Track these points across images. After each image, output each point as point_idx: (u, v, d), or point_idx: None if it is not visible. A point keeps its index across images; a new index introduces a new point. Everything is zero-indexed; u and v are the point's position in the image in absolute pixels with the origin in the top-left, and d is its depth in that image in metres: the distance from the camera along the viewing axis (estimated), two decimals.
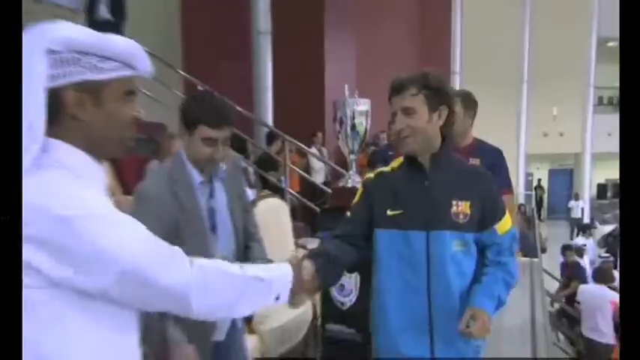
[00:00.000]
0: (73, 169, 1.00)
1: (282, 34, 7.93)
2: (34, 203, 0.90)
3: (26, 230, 0.89)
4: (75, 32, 1.01)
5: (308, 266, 1.47)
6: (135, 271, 0.96)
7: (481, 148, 2.80)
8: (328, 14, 7.97)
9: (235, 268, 1.16)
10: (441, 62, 13.17)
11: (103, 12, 6.47)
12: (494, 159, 2.73)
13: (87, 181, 1.01)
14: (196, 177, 1.94)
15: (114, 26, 6.48)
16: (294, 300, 1.32)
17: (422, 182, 1.74)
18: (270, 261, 2.04)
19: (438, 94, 1.70)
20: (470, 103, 2.77)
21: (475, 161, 2.50)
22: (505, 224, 1.78)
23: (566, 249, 8.99)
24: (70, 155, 1.01)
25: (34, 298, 0.92)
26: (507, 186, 2.77)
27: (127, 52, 1.06)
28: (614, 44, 18.40)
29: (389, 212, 1.74)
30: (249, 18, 8.01)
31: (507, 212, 1.83)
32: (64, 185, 0.95)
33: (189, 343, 1.80)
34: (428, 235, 1.70)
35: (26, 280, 0.91)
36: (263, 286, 1.18)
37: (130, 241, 0.97)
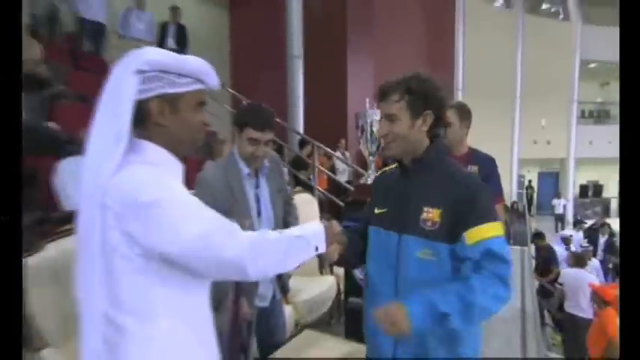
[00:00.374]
0: (157, 164, 1.04)
1: (312, 57, 7.97)
2: (127, 191, 0.96)
3: (123, 210, 0.95)
4: (159, 55, 1.05)
5: (335, 223, 1.34)
6: (203, 238, 0.98)
7: (477, 156, 2.48)
8: (350, 41, 7.98)
9: (277, 233, 1.15)
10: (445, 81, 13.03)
11: (171, 43, 6.71)
12: (489, 167, 2.42)
13: (168, 172, 1.05)
14: (244, 169, 1.98)
15: (179, 53, 6.63)
16: (329, 251, 1.26)
17: (403, 184, 1.48)
18: None
19: (423, 99, 1.41)
20: (465, 113, 2.47)
21: (474, 169, 2.27)
22: (480, 233, 1.31)
23: (535, 237, 8.64)
24: (154, 153, 1.05)
25: (129, 266, 0.98)
26: (499, 194, 2.39)
27: (198, 70, 1.09)
28: (595, 65, 17.98)
29: (376, 210, 1.53)
30: (285, 44, 8.06)
31: (493, 223, 1.34)
32: (148, 176, 0.99)
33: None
34: (400, 238, 1.42)
35: (124, 251, 0.97)
36: (302, 241, 1.16)
37: (199, 216, 1.01)
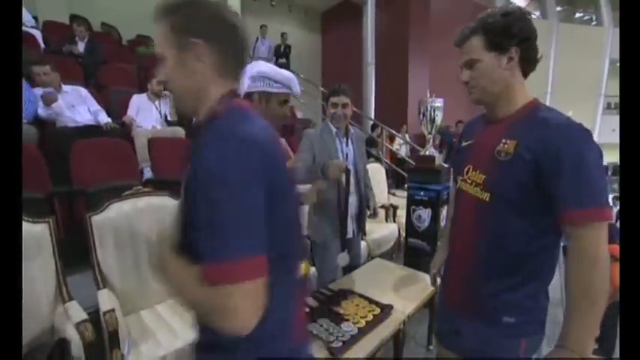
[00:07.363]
0: None
1: (381, 65, 7.72)
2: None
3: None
4: (265, 67, 1.13)
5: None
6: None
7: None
8: (411, 52, 7.55)
9: None
10: None
11: (281, 60, 6.98)
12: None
13: None
14: (333, 129, 1.98)
15: (286, 66, 6.90)
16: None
17: None
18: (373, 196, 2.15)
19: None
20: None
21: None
22: None
23: None
24: None
25: None
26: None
27: (287, 80, 1.15)
28: None
29: None
30: (361, 55, 7.88)
31: None
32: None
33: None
34: None
35: None
36: None
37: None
